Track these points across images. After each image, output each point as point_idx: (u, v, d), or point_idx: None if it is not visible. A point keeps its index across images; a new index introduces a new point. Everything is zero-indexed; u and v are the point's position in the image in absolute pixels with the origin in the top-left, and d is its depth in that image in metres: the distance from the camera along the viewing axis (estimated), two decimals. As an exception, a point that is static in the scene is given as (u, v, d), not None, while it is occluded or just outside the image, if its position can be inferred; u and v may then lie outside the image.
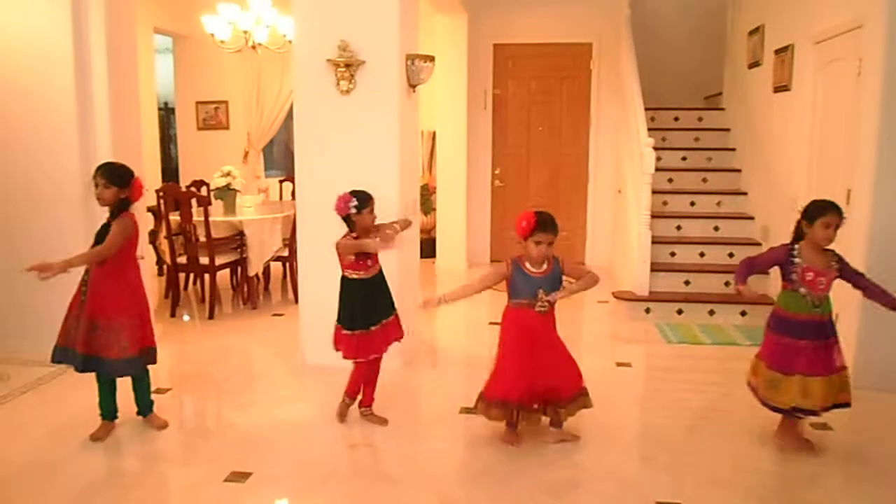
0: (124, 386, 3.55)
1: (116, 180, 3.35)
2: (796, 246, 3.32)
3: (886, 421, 3.80)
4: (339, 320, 3.54)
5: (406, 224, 3.74)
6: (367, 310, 3.51)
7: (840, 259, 3.33)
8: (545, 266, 3.28)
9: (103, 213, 3.45)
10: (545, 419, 3.45)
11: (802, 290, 3.27)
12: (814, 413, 3.31)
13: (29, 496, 2.98)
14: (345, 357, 3.56)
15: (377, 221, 3.53)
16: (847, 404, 3.35)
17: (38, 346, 4.41)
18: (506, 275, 3.32)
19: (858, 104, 4.29)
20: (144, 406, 3.64)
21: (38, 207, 4.48)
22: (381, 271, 3.59)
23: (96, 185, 3.35)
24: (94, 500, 2.96)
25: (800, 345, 3.27)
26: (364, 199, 3.44)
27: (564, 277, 3.33)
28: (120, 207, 3.36)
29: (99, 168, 3.39)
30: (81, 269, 3.39)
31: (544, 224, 3.20)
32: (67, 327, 3.41)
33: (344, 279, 3.51)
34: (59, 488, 3.03)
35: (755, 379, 3.46)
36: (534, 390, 3.30)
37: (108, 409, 3.54)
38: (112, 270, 3.36)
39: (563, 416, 3.39)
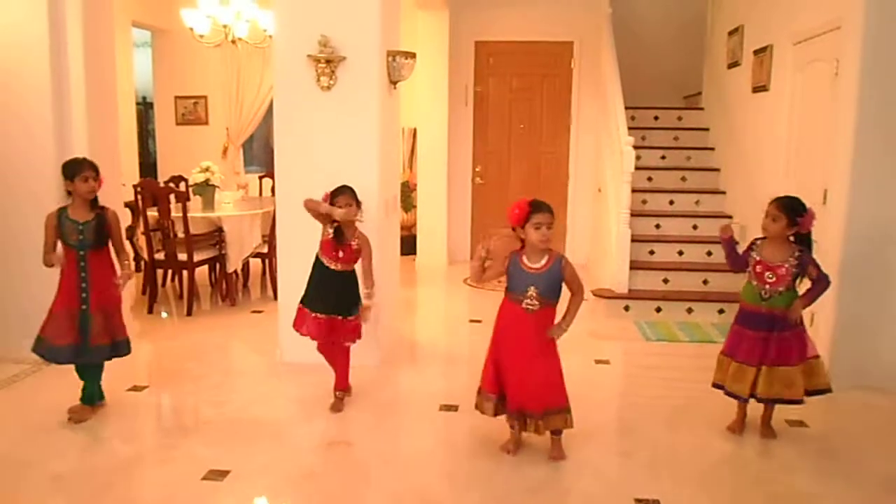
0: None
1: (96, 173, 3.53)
2: (758, 242, 3.48)
3: (860, 418, 3.86)
4: (301, 300, 3.68)
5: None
6: (319, 293, 3.64)
7: (802, 255, 3.37)
8: (545, 261, 3.16)
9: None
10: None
11: (754, 281, 3.45)
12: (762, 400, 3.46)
13: (1, 492, 2.94)
14: (301, 333, 3.69)
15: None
16: (825, 391, 3.48)
17: (11, 344, 4.39)
18: (506, 263, 3.21)
19: (835, 105, 4.34)
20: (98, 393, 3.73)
21: (18, 199, 4.37)
22: (346, 273, 3.67)
23: (86, 180, 3.44)
24: (69, 497, 2.93)
25: (746, 333, 3.44)
26: (334, 192, 3.61)
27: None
28: (96, 199, 3.53)
29: (87, 162, 3.51)
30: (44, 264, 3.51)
31: (539, 205, 3.11)
32: (69, 326, 3.46)
33: (315, 259, 3.69)
34: (33, 485, 2.99)
35: (720, 374, 3.59)
36: (503, 386, 3.25)
37: (99, 393, 3.71)
38: (109, 259, 3.60)
39: (539, 429, 3.18)
